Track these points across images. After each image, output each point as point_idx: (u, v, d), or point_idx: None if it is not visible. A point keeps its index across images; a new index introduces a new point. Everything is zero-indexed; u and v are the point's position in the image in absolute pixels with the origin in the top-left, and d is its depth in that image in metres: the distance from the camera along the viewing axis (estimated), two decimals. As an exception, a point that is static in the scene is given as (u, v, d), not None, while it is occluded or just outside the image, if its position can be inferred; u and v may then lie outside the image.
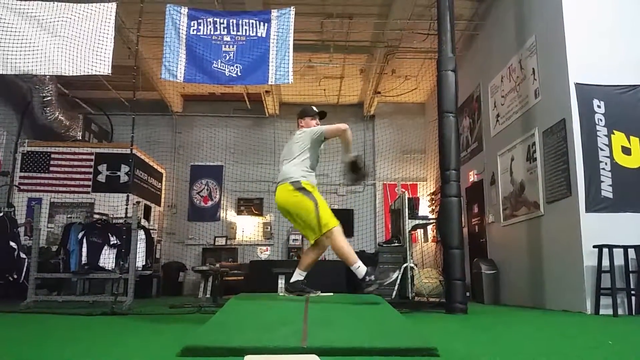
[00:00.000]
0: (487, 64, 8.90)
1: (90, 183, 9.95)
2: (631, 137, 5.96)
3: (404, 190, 8.29)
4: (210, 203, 12.56)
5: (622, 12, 6.34)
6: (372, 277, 3.82)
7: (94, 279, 7.14)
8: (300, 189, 4.08)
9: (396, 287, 7.11)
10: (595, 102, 6.04)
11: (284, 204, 4.13)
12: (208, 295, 7.04)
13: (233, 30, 6.81)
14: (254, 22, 6.82)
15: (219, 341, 2.47)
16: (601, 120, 6.00)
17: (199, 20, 6.82)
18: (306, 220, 4.01)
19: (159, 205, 11.92)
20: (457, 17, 7.77)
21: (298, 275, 4.27)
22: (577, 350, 2.95)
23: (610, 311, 5.35)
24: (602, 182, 5.85)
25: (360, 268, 3.87)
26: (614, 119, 5.99)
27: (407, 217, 7.62)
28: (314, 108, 4.59)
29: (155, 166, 11.68)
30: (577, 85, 6.06)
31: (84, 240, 6.64)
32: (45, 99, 9.48)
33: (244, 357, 2.20)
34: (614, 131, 5.97)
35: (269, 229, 12.45)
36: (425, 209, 11.45)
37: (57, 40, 6.40)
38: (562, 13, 6.27)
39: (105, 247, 6.69)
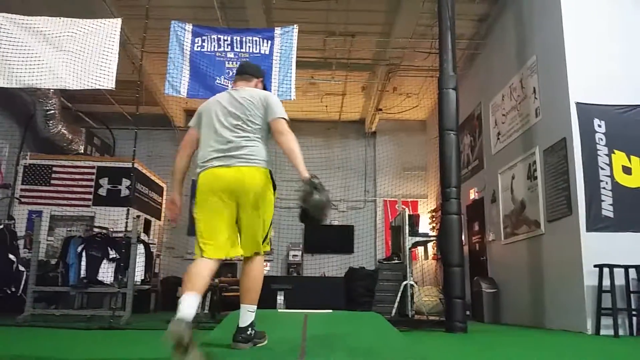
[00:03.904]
0: (488, 83, 8.96)
1: (91, 196, 9.95)
2: (632, 157, 5.97)
3: (404, 207, 8.29)
4: (210, 218, 12.52)
5: (623, 32, 6.40)
6: (252, 333, 2.94)
7: (92, 293, 7.10)
8: (274, 186, 3.10)
9: (396, 305, 7.08)
10: (596, 121, 6.06)
11: (251, 189, 2.92)
12: (206, 311, 6.99)
13: (237, 47, 6.87)
14: (257, 39, 6.89)
15: (217, 357, 2.46)
16: (602, 139, 6.01)
17: (203, 37, 6.89)
18: (255, 227, 3.00)
19: (159, 220, 11.91)
20: (459, 37, 7.85)
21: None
22: (578, 371, 2.93)
23: (611, 332, 5.30)
24: (603, 201, 5.84)
25: (253, 314, 2.98)
26: (614, 139, 6.01)
27: (407, 234, 7.61)
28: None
29: (156, 180, 11.70)
30: (578, 104, 6.09)
31: (83, 254, 6.63)
32: (48, 112, 9.54)
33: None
34: (615, 150, 5.99)
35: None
36: (425, 226, 11.44)
37: (62, 55, 6.45)
38: (563, 33, 6.33)
39: (104, 261, 6.67)
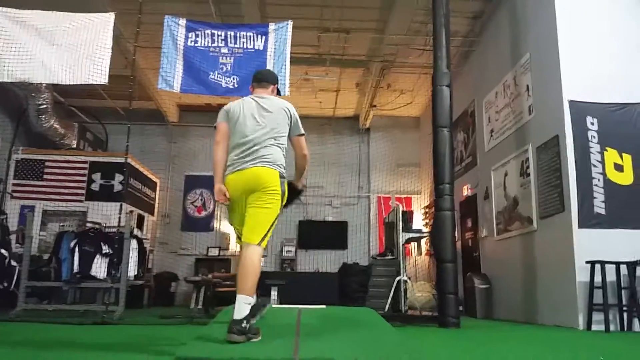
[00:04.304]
0: (482, 80, 8.98)
1: (83, 192, 9.90)
2: (624, 154, 6.01)
3: (398, 203, 8.33)
4: (204, 213, 12.52)
5: (616, 31, 6.43)
6: (247, 326, 2.88)
7: (85, 288, 7.08)
8: (283, 193, 3.30)
9: (389, 300, 7.11)
10: (589, 119, 6.10)
11: (260, 183, 3.19)
12: (200, 306, 7.00)
13: (231, 43, 6.85)
14: (251, 34, 6.87)
15: (210, 352, 2.47)
16: (594, 137, 6.05)
17: (197, 32, 6.86)
18: (257, 216, 3.18)
19: (152, 215, 11.87)
20: (453, 34, 7.85)
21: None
22: (569, 366, 2.96)
23: (602, 327, 5.36)
24: (595, 198, 5.89)
25: (249, 307, 2.94)
26: (607, 136, 6.05)
27: (400, 230, 7.63)
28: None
29: (150, 175, 11.65)
30: (571, 102, 6.13)
31: (76, 249, 6.61)
32: (40, 107, 9.46)
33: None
34: (607, 148, 6.03)
35: (262, 241, 12.39)
36: (419, 222, 11.48)
37: (55, 49, 6.41)
38: (556, 31, 6.36)
39: (97, 256, 6.66)
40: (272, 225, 3.17)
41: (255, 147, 3.23)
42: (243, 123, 3.33)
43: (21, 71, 6.30)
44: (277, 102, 3.48)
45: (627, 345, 4.36)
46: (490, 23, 8.75)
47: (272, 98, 3.51)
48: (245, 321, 2.86)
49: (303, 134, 3.48)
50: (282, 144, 3.34)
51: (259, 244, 3.10)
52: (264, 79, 3.64)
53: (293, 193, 3.47)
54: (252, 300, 2.98)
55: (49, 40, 6.40)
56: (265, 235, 3.13)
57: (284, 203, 3.30)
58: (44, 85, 9.08)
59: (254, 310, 3.04)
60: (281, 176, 3.24)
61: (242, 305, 2.90)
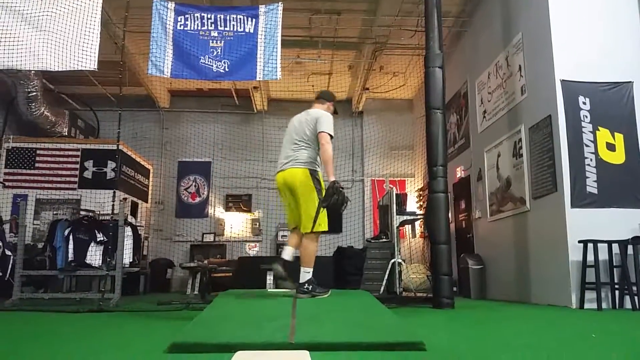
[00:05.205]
0: (474, 61, 8.95)
1: (76, 179, 9.85)
2: (616, 134, 6.03)
3: (392, 186, 8.32)
4: (198, 199, 12.51)
5: (608, 10, 6.41)
6: (310, 287, 4.06)
7: (80, 276, 7.08)
8: (317, 182, 4.20)
9: (384, 283, 7.15)
10: (581, 98, 6.10)
11: (293, 183, 4.16)
12: (196, 292, 7.01)
13: (221, 26, 6.77)
14: (241, 17, 6.78)
15: (207, 337, 2.48)
16: (586, 116, 6.06)
17: (186, 16, 6.77)
18: (301, 210, 4.14)
19: (146, 202, 11.84)
20: (445, 14, 7.80)
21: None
22: (562, 343, 3.00)
23: (594, 305, 5.43)
24: (587, 178, 5.92)
25: (308, 275, 4.11)
26: (599, 116, 6.06)
27: (395, 213, 7.64)
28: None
29: (142, 162, 11.59)
30: (563, 82, 6.12)
31: (71, 237, 6.59)
32: (30, 95, 9.35)
33: (235, 353, 2.20)
34: (599, 127, 6.05)
35: (257, 225, 12.42)
36: (413, 204, 11.52)
37: (42, 35, 6.30)
38: (549, 10, 6.33)
39: (92, 244, 6.64)
40: (316, 215, 4.00)
41: (290, 151, 4.16)
42: (288, 134, 4.31)
43: (8, 58, 6.20)
44: (314, 112, 4.30)
45: (619, 322, 4.41)
46: (482, 3, 8.69)
47: (316, 110, 4.34)
48: (307, 284, 4.02)
49: (322, 131, 4.14)
50: (310, 145, 4.17)
51: (310, 232, 4.06)
52: (321, 96, 4.60)
53: (331, 198, 4.00)
54: (310, 270, 4.07)
55: (35, 26, 6.29)
56: (313, 225, 4.02)
57: (323, 191, 4.08)
58: (33, 72, 8.96)
59: (312, 281, 4.09)
60: (312, 172, 4.11)
61: (303, 274, 4.07)
